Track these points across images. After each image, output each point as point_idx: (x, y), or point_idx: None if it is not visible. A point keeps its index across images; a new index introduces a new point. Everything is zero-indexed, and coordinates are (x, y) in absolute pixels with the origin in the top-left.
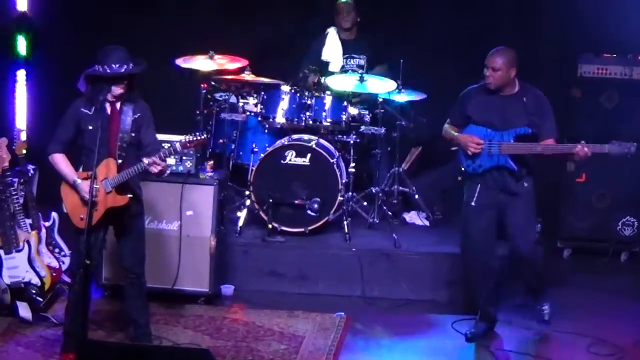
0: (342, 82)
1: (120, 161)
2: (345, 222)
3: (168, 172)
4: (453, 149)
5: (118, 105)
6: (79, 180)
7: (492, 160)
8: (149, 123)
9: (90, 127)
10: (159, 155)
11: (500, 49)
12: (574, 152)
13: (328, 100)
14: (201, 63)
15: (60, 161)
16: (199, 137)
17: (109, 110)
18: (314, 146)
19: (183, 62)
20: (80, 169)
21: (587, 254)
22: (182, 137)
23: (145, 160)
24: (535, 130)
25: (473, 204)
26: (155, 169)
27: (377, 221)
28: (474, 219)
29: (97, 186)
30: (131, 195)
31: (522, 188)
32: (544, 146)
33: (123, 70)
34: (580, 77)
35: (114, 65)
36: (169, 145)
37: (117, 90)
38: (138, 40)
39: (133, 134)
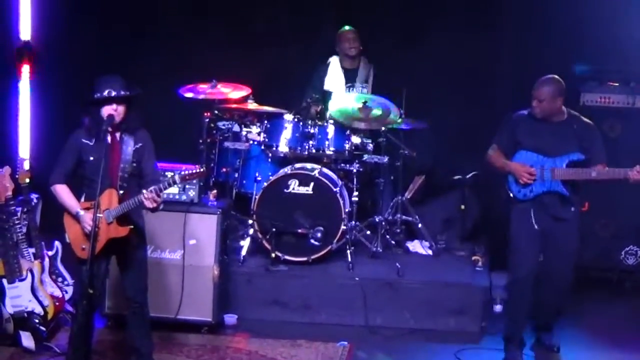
0: (346, 102)
1: (122, 192)
2: (348, 251)
3: (161, 207)
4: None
5: (118, 135)
6: (81, 212)
7: (544, 186)
8: (150, 153)
9: (92, 158)
10: (156, 189)
11: (545, 79)
12: (629, 176)
13: (331, 129)
14: (205, 93)
15: (63, 192)
16: (198, 170)
17: (109, 140)
18: (317, 175)
19: (187, 92)
20: (82, 199)
21: (591, 283)
22: (182, 169)
23: (145, 194)
24: (586, 157)
25: (536, 227)
26: (150, 204)
27: (380, 250)
28: (526, 247)
29: (100, 215)
30: (132, 226)
31: (570, 213)
32: (599, 171)
33: (114, 94)
34: (583, 106)
35: (106, 91)
36: (171, 174)
37: (106, 115)
38: (141, 68)
39: (134, 164)
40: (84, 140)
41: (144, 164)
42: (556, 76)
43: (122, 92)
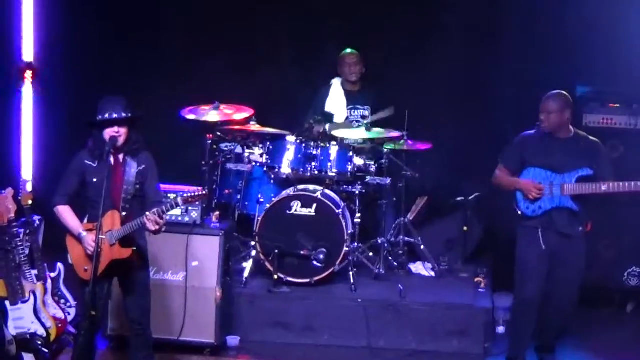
0: (348, 133)
1: (124, 213)
2: (351, 273)
3: (164, 229)
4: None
5: (121, 157)
6: (84, 233)
7: (553, 202)
8: (153, 175)
9: (95, 180)
10: (159, 211)
11: (553, 93)
12: (639, 188)
13: (333, 151)
14: (207, 115)
15: (65, 213)
16: (200, 192)
17: (112, 162)
18: (319, 197)
19: (189, 114)
20: (85, 220)
21: (593, 305)
22: (184, 192)
23: (148, 216)
24: (595, 172)
25: (543, 247)
26: (152, 227)
27: (383, 272)
28: (533, 268)
29: (103, 236)
30: (135, 248)
31: (577, 232)
32: (609, 185)
33: (115, 116)
34: (585, 127)
35: (107, 113)
36: (174, 197)
37: (109, 137)
38: (144, 90)
39: (137, 186)
40: (87, 162)
41: (146, 185)
42: (563, 92)
43: (125, 114)
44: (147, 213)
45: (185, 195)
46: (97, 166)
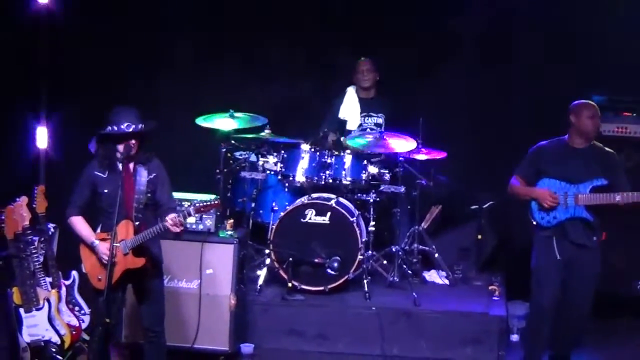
0: (361, 142)
1: (137, 222)
2: (365, 281)
3: (183, 234)
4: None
5: (132, 166)
6: (97, 242)
7: (567, 212)
8: (164, 182)
9: (106, 190)
10: (183, 214)
11: (585, 101)
12: None
13: (348, 159)
14: (221, 122)
15: (78, 223)
16: (213, 202)
17: (123, 171)
18: (333, 205)
19: (203, 122)
20: (99, 230)
21: (607, 314)
22: (197, 201)
23: (169, 220)
24: (610, 182)
25: (558, 257)
26: (175, 229)
27: (397, 280)
28: (548, 278)
29: (117, 244)
30: (148, 257)
31: (591, 242)
32: (623, 195)
33: (131, 129)
34: (599, 136)
35: (122, 125)
36: (186, 206)
37: (123, 148)
38: (158, 98)
39: (149, 194)
40: (96, 173)
41: (158, 193)
42: None
43: (139, 126)
44: (168, 217)
45: (197, 205)
46: (107, 177)
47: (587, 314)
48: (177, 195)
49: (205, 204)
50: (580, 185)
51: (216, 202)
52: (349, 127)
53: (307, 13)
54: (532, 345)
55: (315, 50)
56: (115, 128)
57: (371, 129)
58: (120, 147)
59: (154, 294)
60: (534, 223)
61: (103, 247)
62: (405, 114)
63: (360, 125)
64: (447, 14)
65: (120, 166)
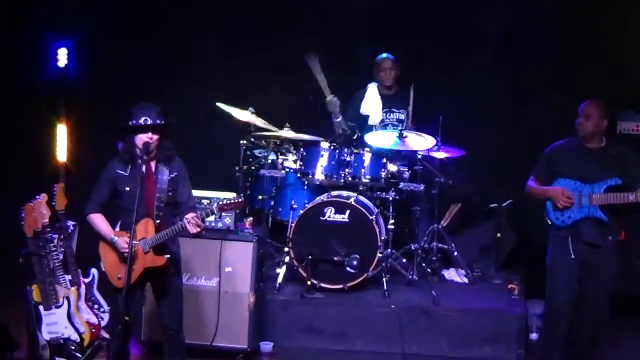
0: (381, 139)
1: (158, 221)
2: (384, 279)
3: (203, 233)
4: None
5: (153, 164)
6: (116, 237)
7: (582, 212)
8: (184, 181)
9: (127, 188)
10: (201, 214)
11: (596, 98)
12: None
13: (367, 157)
14: (239, 113)
15: (97, 220)
16: (236, 200)
17: (144, 170)
18: (353, 203)
19: (223, 106)
20: (117, 228)
21: (626, 314)
22: (220, 199)
23: (188, 218)
24: (626, 182)
25: (572, 256)
26: (194, 230)
27: (416, 278)
28: (563, 277)
29: (137, 242)
30: (169, 256)
31: (607, 242)
32: (637, 194)
33: (150, 122)
34: (619, 134)
35: (142, 119)
36: (208, 203)
37: (142, 139)
38: (178, 96)
39: (170, 193)
40: (118, 171)
41: (179, 192)
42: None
43: (159, 121)
44: (187, 216)
45: (220, 202)
46: (129, 175)
47: (604, 314)
48: (197, 193)
49: (228, 202)
50: (594, 185)
51: (239, 200)
52: (370, 122)
53: (327, 8)
54: (546, 343)
55: (335, 46)
56: (135, 122)
57: (393, 125)
58: (140, 142)
59: (173, 292)
60: (549, 223)
61: (122, 242)
62: (425, 111)
63: (382, 121)
64: (467, 10)
65: (142, 165)
